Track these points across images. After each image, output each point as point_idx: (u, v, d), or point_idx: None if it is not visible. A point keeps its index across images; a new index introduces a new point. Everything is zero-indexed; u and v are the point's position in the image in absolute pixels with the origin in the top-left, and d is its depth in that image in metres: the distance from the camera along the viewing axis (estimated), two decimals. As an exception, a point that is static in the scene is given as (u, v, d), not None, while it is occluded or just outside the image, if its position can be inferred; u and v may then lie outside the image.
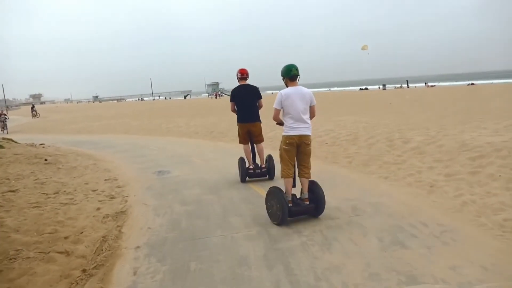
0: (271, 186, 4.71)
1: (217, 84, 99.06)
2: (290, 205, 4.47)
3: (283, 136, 4.57)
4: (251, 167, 6.82)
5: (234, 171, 7.48)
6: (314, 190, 4.60)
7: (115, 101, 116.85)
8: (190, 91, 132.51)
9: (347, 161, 7.95)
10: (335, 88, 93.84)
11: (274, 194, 4.51)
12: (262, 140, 6.90)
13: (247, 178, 6.78)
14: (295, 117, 4.45)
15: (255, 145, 6.88)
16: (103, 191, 6.58)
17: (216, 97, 68.07)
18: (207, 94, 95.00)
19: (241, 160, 6.90)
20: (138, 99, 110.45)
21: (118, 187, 6.97)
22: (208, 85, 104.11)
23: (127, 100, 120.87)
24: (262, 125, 6.82)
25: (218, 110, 27.32)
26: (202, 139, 14.51)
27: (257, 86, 6.88)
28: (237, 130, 7.00)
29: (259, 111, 6.78)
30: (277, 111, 4.61)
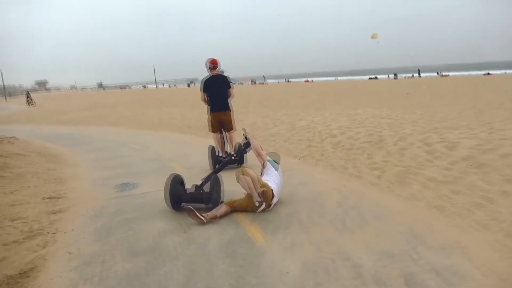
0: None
1: (222, 72, 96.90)
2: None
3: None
4: (221, 155, 6.95)
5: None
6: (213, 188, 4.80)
7: (119, 88, 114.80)
8: (195, 78, 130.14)
9: (375, 175, 5.84)
10: (343, 77, 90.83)
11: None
12: (232, 128, 7.00)
13: (217, 166, 6.45)
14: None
15: (226, 133, 6.99)
16: (27, 221, 4.56)
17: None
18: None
19: (212, 149, 6.97)
20: (143, 87, 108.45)
21: (55, 212, 4.95)
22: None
23: (132, 87, 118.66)
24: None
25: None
26: (194, 135, 12.52)
27: (227, 75, 7.01)
28: (208, 119, 7.01)
29: (231, 100, 6.91)
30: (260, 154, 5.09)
